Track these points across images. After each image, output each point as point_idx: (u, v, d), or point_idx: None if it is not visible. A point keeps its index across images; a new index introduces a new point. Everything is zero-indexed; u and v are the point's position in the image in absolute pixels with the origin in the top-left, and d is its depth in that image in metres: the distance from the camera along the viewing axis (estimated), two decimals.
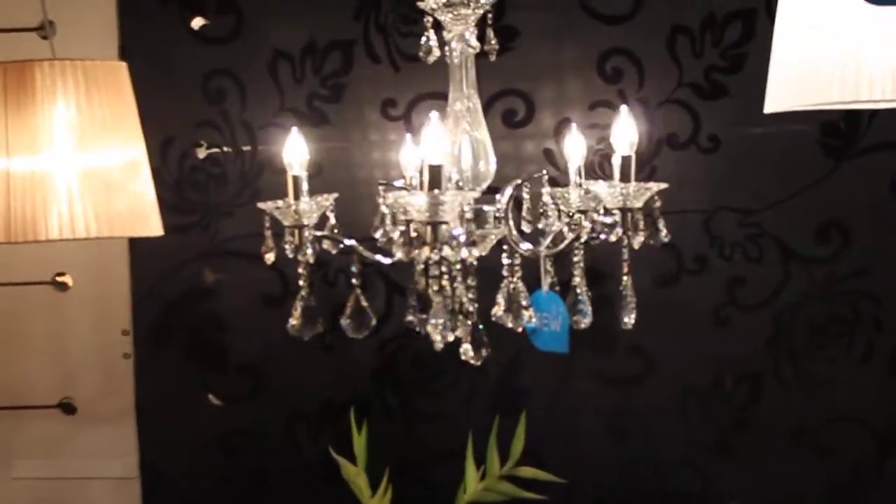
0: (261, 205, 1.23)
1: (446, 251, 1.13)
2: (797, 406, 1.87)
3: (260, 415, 1.84)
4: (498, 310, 1.24)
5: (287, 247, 1.27)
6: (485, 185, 1.32)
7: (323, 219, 1.31)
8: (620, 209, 1.25)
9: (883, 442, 1.86)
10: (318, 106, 1.82)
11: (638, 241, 1.27)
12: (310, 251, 1.29)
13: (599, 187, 1.28)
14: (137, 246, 1.84)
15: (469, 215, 1.19)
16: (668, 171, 1.79)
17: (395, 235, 1.26)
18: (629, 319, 1.29)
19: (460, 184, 1.32)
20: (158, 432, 1.86)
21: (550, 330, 1.34)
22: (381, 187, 1.32)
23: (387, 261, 1.32)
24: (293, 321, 1.29)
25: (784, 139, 1.81)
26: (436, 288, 1.15)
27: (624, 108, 1.27)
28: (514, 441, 1.70)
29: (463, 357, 1.21)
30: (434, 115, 1.13)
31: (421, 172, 1.12)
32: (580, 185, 1.32)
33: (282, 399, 1.85)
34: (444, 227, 1.12)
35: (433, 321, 1.14)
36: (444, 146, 1.12)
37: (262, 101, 1.81)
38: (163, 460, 1.87)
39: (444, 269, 1.13)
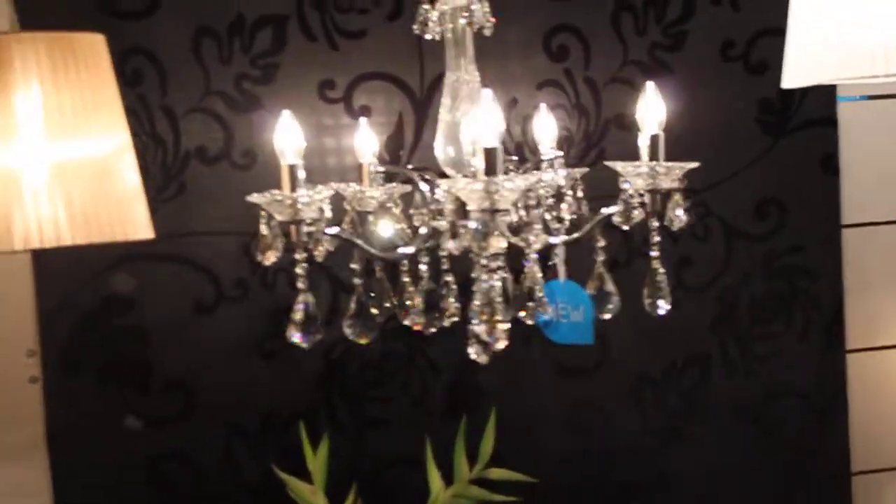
0: (253, 197, 1.17)
1: (502, 242, 1.11)
2: (743, 385, 1.96)
3: (193, 435, 1.76)
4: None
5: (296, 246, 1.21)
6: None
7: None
8: (649, 190, 1.28)
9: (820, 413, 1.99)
10: (249, 88, 1.74)
11: (677, 222, 1.29)
12: (323, 247, 1.23)
13: (625, 169, 1.30)
14: (42, 251, 1.69)
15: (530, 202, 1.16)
16: (614, 152, 1.81)
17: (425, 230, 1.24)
18: (665, 304, 1.31)
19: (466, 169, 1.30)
20: (75, 466, 1.73)
21: (570, 321, 1.36)
22: (419, 175, 1.28)
23: (397, 255, 1.29)
24: (292, 330, 1.22)
25: (723, 117, 1.89)
26: (491, 284, 1.12)
27: (650, 84, 1.29)
28: (483, 441, 1.70)
29: (474, 357, 1.19)
30: (488, 92, 1.10)
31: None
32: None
33: (217, 416, 1.77)
34: (501, 215, 1.09)
35: (490, 324, 1.10)
36: (499, 126, 1.09)
37: (184, 84, 1.71)
38: (81, 498, 1.74)
39: (499, 262, 1.10)
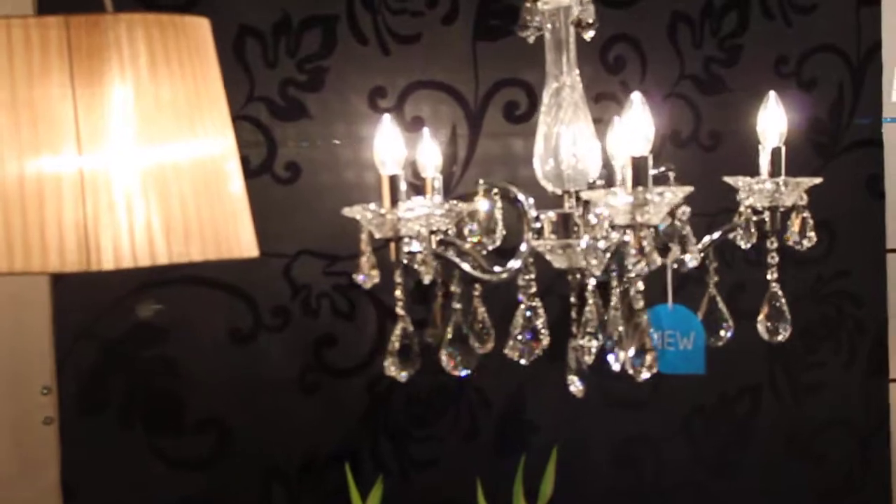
0: (348, 210, 1.12)
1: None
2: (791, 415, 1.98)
3: (228, 479, 1.69)
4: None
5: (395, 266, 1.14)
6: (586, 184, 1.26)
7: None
8: (769, 208, 1.25)
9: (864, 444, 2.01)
10: (294, 95, 1.68)
11: (804, 241, 1.26)
12: (431, 267, 1.17)
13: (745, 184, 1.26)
14: (61, 276, 1.61)
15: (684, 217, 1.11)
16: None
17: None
18: (785, 332, 1.28)
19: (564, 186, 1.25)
20: None
21: (678, 349, 1.32)
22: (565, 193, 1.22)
23: (492, 276, 1.23)
24: (389, 363, 1.16)
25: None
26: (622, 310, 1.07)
27: (772, 95, 1.26)
28: (543, 482, 1.67)
29: (573, 390, 1.20)
30: (637, 95, 1.06)
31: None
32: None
33: (254, 457, 1.70)
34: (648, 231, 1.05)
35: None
36: (650, 133, 1.05)
37: (227, 88, 1.62)
38: None
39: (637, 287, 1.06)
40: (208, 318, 1.66)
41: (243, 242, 1.03)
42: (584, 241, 1.20)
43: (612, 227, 1.17)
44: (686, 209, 1.13)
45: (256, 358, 1.67)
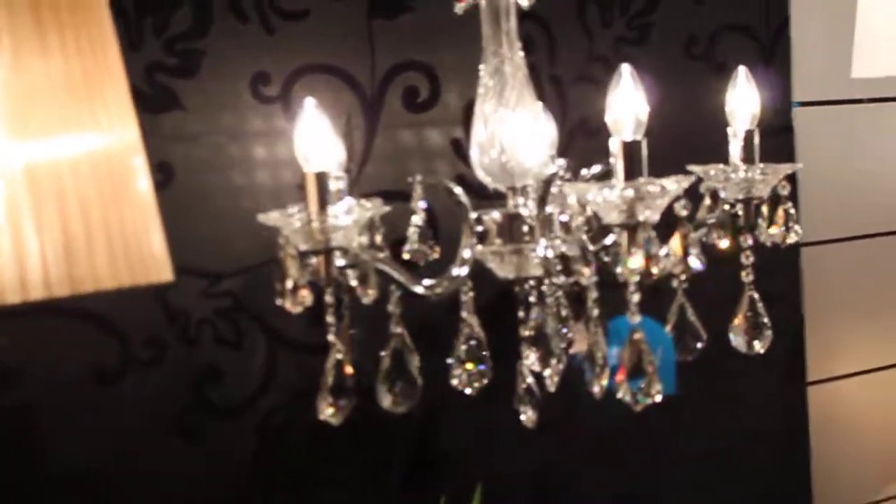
0: (268, 217, 1.04)
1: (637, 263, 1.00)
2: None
3: None
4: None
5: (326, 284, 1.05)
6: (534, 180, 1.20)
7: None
8: (742, 200, 1.21)
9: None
10: (164, 82, 1.55)
11: (778, 236, 1.22)
12: (374, 284, 1.07)
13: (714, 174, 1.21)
14: None
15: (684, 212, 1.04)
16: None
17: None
18: (761, 345, 1.25)
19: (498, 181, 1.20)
20: None
21: None
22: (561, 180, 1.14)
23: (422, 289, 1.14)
24: (324, 405, 1.07)
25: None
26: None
27: (742, 70, 1.21)
28: None
29: (524, 420, 1.21)
30: (627, 67, 0.97)
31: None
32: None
33: None
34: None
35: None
36: (644, 112, 0.97)
37: None
38: None
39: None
40: (67, 354, 1.53)
41: (157, 261, 0.89)
42: (541, 246, 1.15)
43: (600, 227, 1.08)
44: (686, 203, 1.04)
45: (127, 400, 1.55)
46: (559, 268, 1.16)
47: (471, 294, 1.20)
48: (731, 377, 1.98)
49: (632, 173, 0.99)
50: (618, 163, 0.99)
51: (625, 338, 1.31)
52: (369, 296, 1.08)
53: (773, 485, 2.09)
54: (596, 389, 1.12)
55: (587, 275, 1.08)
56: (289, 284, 1.04)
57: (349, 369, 1.08)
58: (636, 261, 0.98)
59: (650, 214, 0.98)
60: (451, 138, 1.75)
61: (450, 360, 1.20)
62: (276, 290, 1.04)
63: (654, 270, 0.97)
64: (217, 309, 1.59)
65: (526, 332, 1.17)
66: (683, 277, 1.22)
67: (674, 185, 0.98)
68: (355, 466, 1.71)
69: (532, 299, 1.17)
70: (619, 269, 1.06)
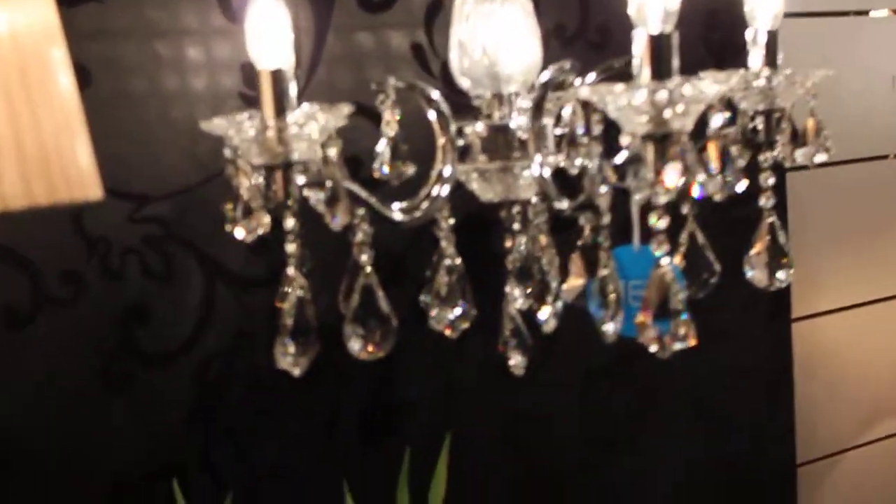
0: (209, 125, 0.92)
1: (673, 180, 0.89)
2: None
3: None
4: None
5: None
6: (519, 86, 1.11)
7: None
8: (763, 112, 1.12)
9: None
10: None
11: (806, 154, 1.14)
12: (345, 206, 0.97)
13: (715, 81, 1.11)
14: None
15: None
16: None
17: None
18: (787, 275, 1.17)
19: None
20: None
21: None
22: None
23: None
24: (282, 349, 0.98)
25: None
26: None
27: None
28: (433, 484, 1.59)
29: (513, 366, 1.16)
30: None
31: None
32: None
33: (43, 481, 1.50)
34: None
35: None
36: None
37: None
38: None
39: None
40: None
41: (83, 175, 0.76)
42: (535, 163, 1.06)
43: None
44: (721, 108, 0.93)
45: (40, 346, 1.47)
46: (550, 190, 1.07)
47: (450, 220, 1.12)
48: (715, 314, 1.92)
49: (659, 74, 0.87)
50: (643, 61, 0.87)
51: (632, 270, 1.25)
52: (338, 221, 0.96)
53: (757, 425, 2.11)
54: (610, 331, 1.04)
55: (603, 195, 0.97)
56: (240, 207, 0.94)
57: (311, 309, 0.97)
58: (672, 177, 0.86)
59: (685, 122, 0.86)
60: (413, 43, 1.65)
61: (424, 298, 1.13)
62: (224, 216, 0.93)
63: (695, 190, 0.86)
64: (145, 237, 1.51)
65: (512, 265, 1.11)
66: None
67: (714, 86, 0.86)
68: (305, 419, 1.66)
69: (517, 226, 1.10)
70: (636, 191, 0.96)
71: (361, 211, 1.03)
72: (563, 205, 1.06)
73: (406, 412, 1.73)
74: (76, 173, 0.76)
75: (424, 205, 1.07)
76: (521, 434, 1.86)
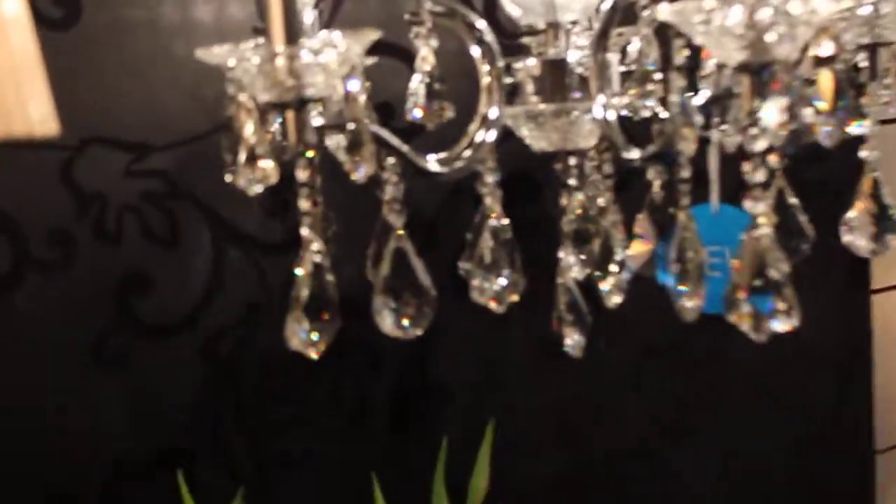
0: (207, 54, 0.82)
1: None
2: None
3: None
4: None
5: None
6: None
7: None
8: (868, 45, 1.00)
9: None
10: None
11: None
12: (369, 152, 0.88)
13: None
14: None
15: None
16: None
17: None
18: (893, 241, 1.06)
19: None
20: None
21: (728, 276, 1.11)
22: None
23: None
24: (295, 327, 0.88)
25: None
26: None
27: None
28: (474, 474, 1.55)
29: (569, 347, 1.07)
30: None
31: None
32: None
33: (27, 474, 1.44)
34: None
35: None
36: None
37: None
38: None
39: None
40: None
41: (33, 106, 0.66)
42: (598, 104, 0.96)
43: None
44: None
45: (23, 316, 1.42)
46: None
47: (496, 173, 1.03)
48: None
49: None
50: None
51: (708, 235, 1.16)
52: (362, 171, 0.85)
53: (830, 407, 2.06)
54: (688, 306, 0.95)
55: (691, 140, 0.85)
56: (243, 153, 0.84)
57: (331, 278, 0.87)
58: (774, 116, 0.73)
59: (790, 49, 0.74)
60: None
61: (464, 266, 1.05)
62: (225, 163, 0.84)
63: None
64: (145, 193, 1.45)
65: (568, 227, 1.02)
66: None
67: (829, 3, 0.74)
68: (329, 403, 1.62)
69: (574, 181, 1.02)
70: (726, 135, 0.86)
71: (391, 160, 0.94)
72: (633, 154, 0.96)
73: (443, 396, 1.68)
74: (17, 107, 0.68)
75: (466, 153, 0.97)
76: (570, 420, 1.81)
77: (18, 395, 1.44)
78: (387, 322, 0.93)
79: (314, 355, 0.89)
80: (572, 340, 1.07)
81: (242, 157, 0.83)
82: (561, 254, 1.03)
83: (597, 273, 1.07)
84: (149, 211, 1.46)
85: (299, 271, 0.86)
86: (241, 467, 1.59)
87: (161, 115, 1.44)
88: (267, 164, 0.83)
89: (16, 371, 1.42)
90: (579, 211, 1.04)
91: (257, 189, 0.84)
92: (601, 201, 1.05)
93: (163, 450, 1.52)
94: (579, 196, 1.03)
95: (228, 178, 0.84)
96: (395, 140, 0.92)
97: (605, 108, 0.94)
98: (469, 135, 0.99)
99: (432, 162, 0.95)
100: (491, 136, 0.98)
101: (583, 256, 1.04)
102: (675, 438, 1.95)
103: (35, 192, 1.40)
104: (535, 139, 1.01)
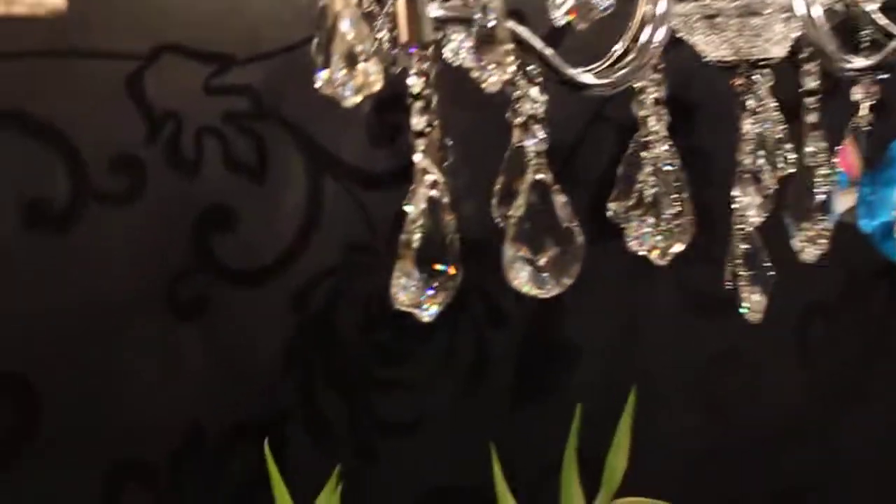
0: None
1: None
2: None
3: (40, 481, 1.34)
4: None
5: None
6: None
7: None
8: None
9: None
10: None
11: None
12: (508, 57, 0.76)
13: None
14: None
15: None
16: None
17: None
18: None
19: None
20: None
21: None
22: None
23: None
24: (402, 280, 0.78)
25: None
26: None
27: None
28: (611, 452, 1.46)
29: (749, 309, 0.98)
30: None
31: None
32: None
33: (91, 439, 1.36)
34: None
35: None
36: None
37: None
38: None
39: None
40: None
41: None
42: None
43: None
44: None
45: (82, 256, 1.34)
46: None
47: (662, 87, 0.91)
48: None
49: None
50: None
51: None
52: (494, 78, 0.71)
53: None
54: None
55: None
56: (340, 49, 0.70)
57: (450, 218, 0.76)
58: None
59: None
60: None
61: (616, 207, 0.94)
62: (316, 64, 0.71)
63: None
64: (227, 113, 1.36)
65: (746, 159, 0.91)
66: None
67: None
68: (442, 364, 1.53)
69: (753, 102, 0.91)
70: None
71: (530, 68, 0.79)
72: (854, 63, 0.81)
73: (574, 358, 1.59)
74: None
75: (634, 61, 0.82)
76: (721, 387, 1.71)
77: (81, 349, 1.35)
78: (521, 276, 0.80)
79: (425, 317, 0.78)
80: (751, 301, 0.95)
81: (337, 57, 0.69)
82: (736, 192, 0.91)
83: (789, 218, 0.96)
84: (231, 134, 1.37)
85: (410, 208, 0.75)
86: (337, 438, 1.50)
87: (247, 21, 1.34)
88: (368, 67, 0.68)
89: (78, 322, 1.34)
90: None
91: (354, 100, 0.71)
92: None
93: (246, 415, 1.44)
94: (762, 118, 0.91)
95: (319, 85, 0.71)
96: (536, 41, 0.77)
97: (805, 3, 0.81)
98: (628, 35, 0.85)
99: (582, 73, 0.80)
100: (658, 36, 0.83)
101: (759, 198, 0.93)
102: (843, 408, 1.84)
103: (97, 110, 1.30)
104: (711, 45, 0.88)
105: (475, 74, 0.73)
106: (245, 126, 1.37)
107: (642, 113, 0.91)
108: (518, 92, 0.76)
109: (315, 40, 0.71)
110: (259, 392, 1.46)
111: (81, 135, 1.31)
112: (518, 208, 0.81)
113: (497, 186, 0.94)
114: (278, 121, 1.37)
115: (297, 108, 1.37)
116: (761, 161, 0.97)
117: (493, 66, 0.70)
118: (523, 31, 0.76)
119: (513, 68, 0.71)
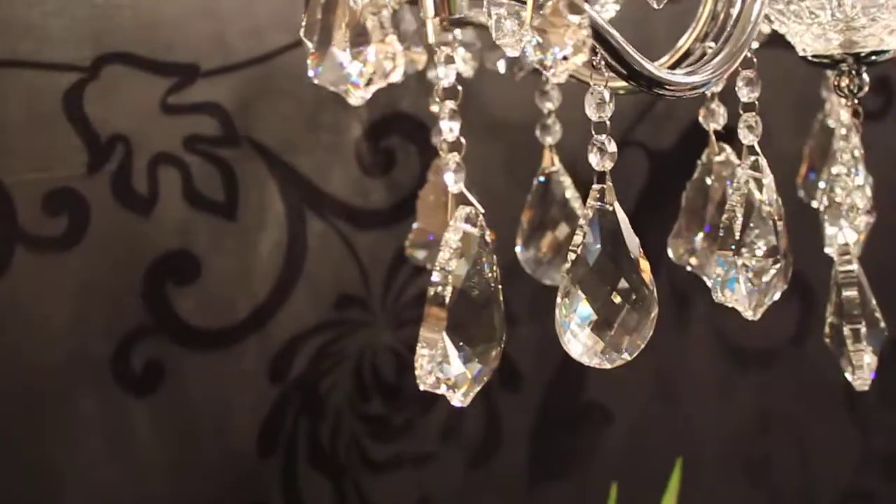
0: None
1: None
2: None
3: None
4: None
5: None
6: None
7: None
8: None
9: None
10: None
11: None
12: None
13: None
14: None
15: None
16: None
17: None
18: None
19: None
20: None
21: None
22: None
23: None
24: (430, 347, 0.68)
25: None
26: None
27: None
28: None
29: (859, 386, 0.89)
30: None
31: None
32: None
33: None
34: None
35: None
36: None
37: None
38: None
39: None
40: None
41: None
42: None
43: None
44: None
45: (9, 315, 1.16)
46: None
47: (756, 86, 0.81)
48: None
49: None
50: None
51: None
52: (569, 63, 0.57)
53: None
54: None
55: None
56: (346, 29, 0.60)
57: (493, 273, 0.71)
58: None
59: None
60: None
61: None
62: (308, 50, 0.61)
63: None
64: (190, 136, 1.19)
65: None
66: None
67: None
68: (445, 436, 1.40)
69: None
70: None
71: (596, 59, 0.65)
72: None
73: (601, 424, 1.47)
74: None
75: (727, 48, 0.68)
76: (765, 452, 1.60)
77: (5, 431, 1.15)
78: (576, 346, 0.70)
79: (460, 401, 0.71)
80: (862, 363, 0.83)
81: (341, 34, 0.53)
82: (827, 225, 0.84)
83: None
84: (195, 163, 1.21)
85: (421, 253, 0.63)
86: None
87: (213, 24, 1.19)
88: (389, 48, 0.54)
89: (2, 397, 1.15)
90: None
91: (363, 94, 0.55)
92: None
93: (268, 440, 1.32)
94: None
95: (311, 73, 0.60)
96: (611, 30, 0.62)
97: None
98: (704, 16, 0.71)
99: (670, 72, 0.67)
100: (755, 10, 0.73)
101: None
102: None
103: (26, 134, 1.13)
104: (810, 37, 0.78)
105: (535, 59, 0.56)
106: (211, 153, 1.22)
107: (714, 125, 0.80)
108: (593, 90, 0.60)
109: (305, 16, 0.55)
110: (231, 481, 1.29)
111: (8, 165, 1.14)
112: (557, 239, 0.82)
113: (523, 222, 0.79)
114: (251, 146, 1.22)
115: (274, 130, 1.24)
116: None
117: (565, 47, 0.53)
118: (593, 13, 0.59)
119: (585, 50, 0.54)
